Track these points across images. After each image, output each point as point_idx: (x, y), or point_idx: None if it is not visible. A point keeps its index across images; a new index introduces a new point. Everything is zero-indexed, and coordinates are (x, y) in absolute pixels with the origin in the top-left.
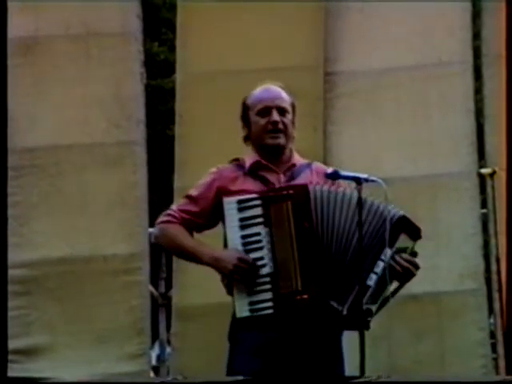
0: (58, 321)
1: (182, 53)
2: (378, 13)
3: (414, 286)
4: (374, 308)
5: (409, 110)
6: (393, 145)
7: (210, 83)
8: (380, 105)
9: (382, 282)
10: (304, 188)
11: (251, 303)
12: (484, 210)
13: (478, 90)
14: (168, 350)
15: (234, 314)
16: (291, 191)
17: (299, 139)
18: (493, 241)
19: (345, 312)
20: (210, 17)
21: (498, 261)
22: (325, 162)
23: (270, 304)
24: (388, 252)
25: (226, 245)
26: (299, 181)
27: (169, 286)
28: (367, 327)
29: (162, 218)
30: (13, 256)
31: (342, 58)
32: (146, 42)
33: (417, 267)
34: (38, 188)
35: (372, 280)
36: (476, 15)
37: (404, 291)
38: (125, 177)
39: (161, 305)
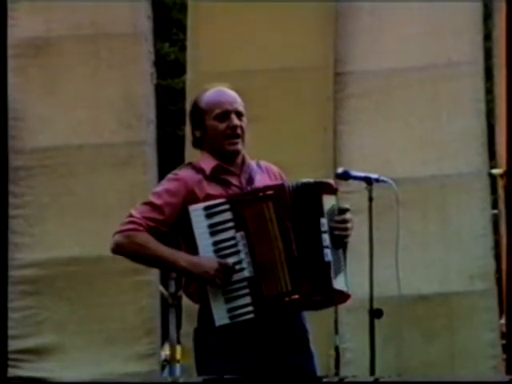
0: (68, 321)
1: (192, 53)
2: (388, 14)
3: (424, 287)
4: (341, 280)
5: (419, 111)
6: (403, 145)
7: (220, 83)
8: (390, 105)
9: (335, 252)
10: (282, 187)
11: (230, 310)
12: (495, 211)
13: (490, 91)
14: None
15: (200, 322)
16: (271, 192)
17: (310, 139)
18: (504, 241)
19: (322, 297)
20: (221, 17)
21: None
22: (335, 162)
23: (250, 309)
24: (324, 221)
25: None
26: (258, 181)
27: (179, 286)
28: (346, 298)
29: (125, 226)
30: (23, 256)
31: (352, 59)
32: (156, 43)
33: (350, 222)
34: (48, 188)
35: (328, 255)
36: (487, 16)
37: (414, 292)
38: (135, 177)
39: (171, 305)
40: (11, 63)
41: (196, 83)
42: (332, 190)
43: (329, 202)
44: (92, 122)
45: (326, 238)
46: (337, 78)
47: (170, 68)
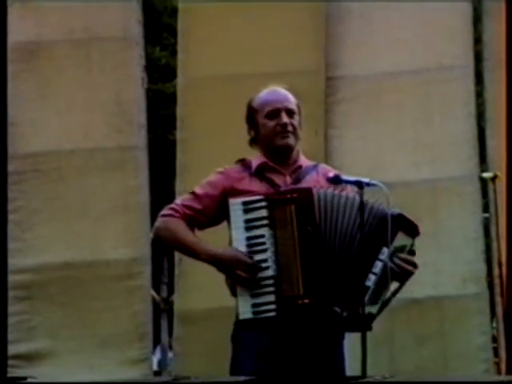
0: (60, 326)
1: (183, 57)
2: (378, 17)
3: (416, 291)
4: (374, 309)
5: (410, 114)
6: (394, 149)
7: (211, 88)
8: (381, 109)
9: (382, 282)
10: (308, 191)
11: (254, 305)
12: (486, 214)
13: (480, 94)
14: (170, 354)
15: (237, 315)
16: (295, 194)
17: (301, 143)
18: (495, 245)
19: (345, 314)
20: (211, 22)
21: (500, 265)
22: None
23: (272, 307)
24: (386, 251)
25: (230, 244)
26: (305, 183)
27: (171, 291)
28: (369, 328)
29: (164, 211)
30: (15, 261)
31: (343, 63)
32: (147, 47)
33: (415, 266)
34: (40, 193)
35: (371, 280)
36: (477, 19)
37: (406, 295)
38: (126, 181)
39: (163, 309)
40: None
41: (187, 88)
42: (412, 233)
43: (403, 240)
44: (84, 126)
45: (378, 265)
46: (328, 82)
47: (160, 72)
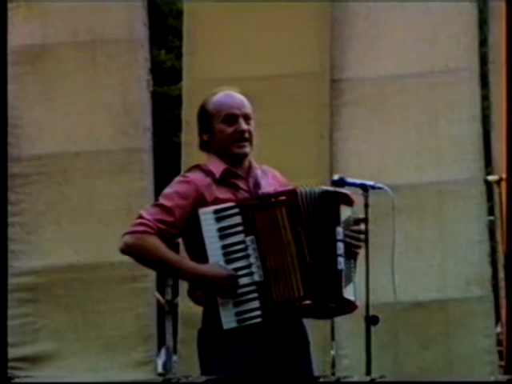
0: (65, 328)
1: (188, 60)
2: (384, 20)
3: (420, 293)
4: (351, 289)
5: (415, 117)
6: (399, 152)
7: (216, 88)
8: (386, 112)
9: (348, 261)
10: (294, 192)
11: (238, 313)
12: (491, 217)
13: (485, 97)
14: (174, 357)
15: (204, 323)
16: (283, 197)
17: (306, 146)
18: (500, 248)
19: (333, 305)
20: (217, 24)
21: (505, 267)
22: (331, 169)
23: (258, 313)
24: (340, 230)
25: (192, 257)
26: (265, 186)
27: (175, 293)
28: (353, 309)
29: (136, 228)
30: (20, 263)
31: (348, 66)
32: (152, 50)
33: (365, 234)
34: (45, 195)
35: (341, 263)
36: (483, 22)
37: (411, 298)
38: (131, 184)
39: (167, 312)
40: (8, 70)
41: (192, 90)
42: (349, 202)
43: (345, 212)
44: (89, 128)
45: (340, 247)
46: (333, 84)
47: (166, 75)
